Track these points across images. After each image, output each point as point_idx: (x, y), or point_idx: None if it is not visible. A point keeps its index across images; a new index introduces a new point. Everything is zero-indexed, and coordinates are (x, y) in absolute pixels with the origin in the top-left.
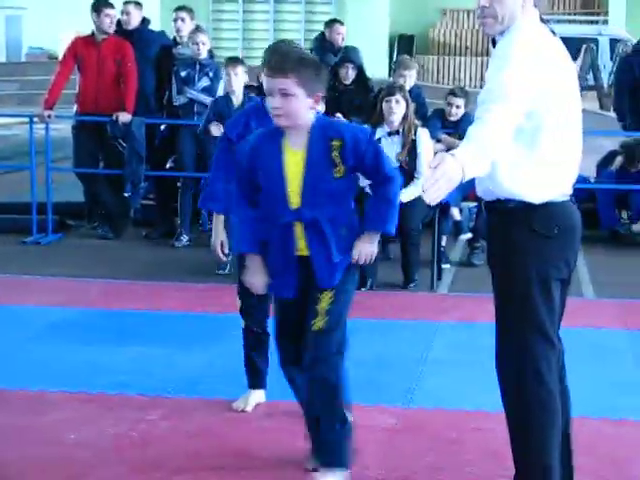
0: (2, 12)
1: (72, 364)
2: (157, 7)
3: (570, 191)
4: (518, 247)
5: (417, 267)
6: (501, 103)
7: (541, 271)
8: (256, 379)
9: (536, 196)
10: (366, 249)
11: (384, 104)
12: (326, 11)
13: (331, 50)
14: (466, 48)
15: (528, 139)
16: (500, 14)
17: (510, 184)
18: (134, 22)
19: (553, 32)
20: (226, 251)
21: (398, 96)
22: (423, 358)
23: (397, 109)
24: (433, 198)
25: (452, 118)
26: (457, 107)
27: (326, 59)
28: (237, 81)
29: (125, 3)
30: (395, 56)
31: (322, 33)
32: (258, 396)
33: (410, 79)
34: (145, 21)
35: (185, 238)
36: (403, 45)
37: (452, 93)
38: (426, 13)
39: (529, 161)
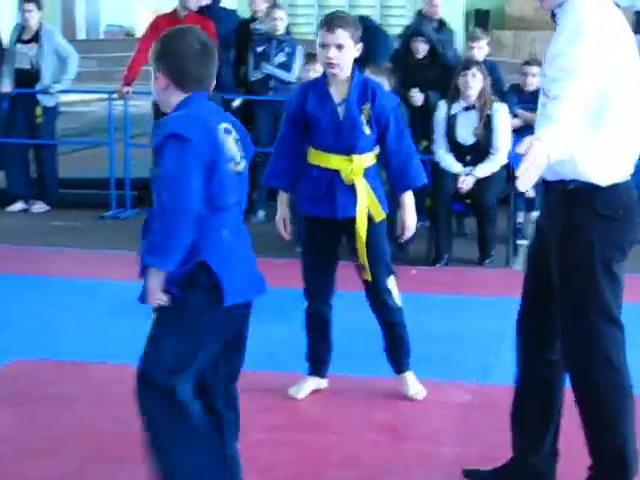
0: None
1: None
2: None
3: (632, 170)
4: (583, 229)
5: (493, 243)
6: (576, 81)
7: (606, 254)
8: (314, 365)
9: (602, 178)
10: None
11: (460, 78)
12: None
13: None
14: (545, 22)
15: (594, 117)
16: None
17: (578, 164)
18: None
19: (616, 4)
20: (288, 229)
21: (474, 70)
22: (498, 334)
23: (473, 83)
24: (525, 185)
25: (529, 88)
26: (533, 76)
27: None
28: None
29: None
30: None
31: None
32: (315, 383)
33: (480, 51)
34: None
35: (262, 213)
36: (478, 20)
37: (527, 63)
38: None
39: (595, 140)
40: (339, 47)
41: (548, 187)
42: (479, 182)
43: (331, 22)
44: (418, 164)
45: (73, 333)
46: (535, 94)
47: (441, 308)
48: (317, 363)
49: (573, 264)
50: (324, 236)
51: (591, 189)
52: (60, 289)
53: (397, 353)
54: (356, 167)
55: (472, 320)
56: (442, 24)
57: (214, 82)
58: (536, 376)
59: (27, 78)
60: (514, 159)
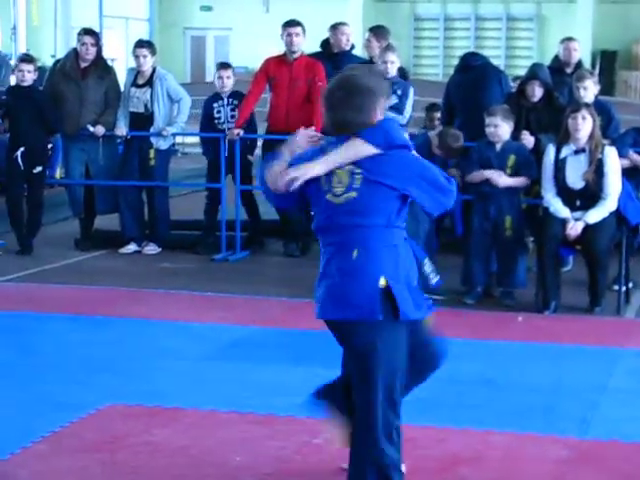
0: (211, 33)
1: (245, 384)
2: (359, 28)
3: None
4: None
5: (604, 290)
6: None
7: None
8: None
9: None
10: None
11: (570, 121)
12: (528, 27)
13: (564, 71)
14: None
15: None
16: None
17: None
18: (342, 46)
19: None
20: None
21: (584, 112)
22: (603, 386)
23: (583, 126)
24: None
25: None
26: None
27: (562, 79)
28: None
29: (338, 25)
30: (597, 72)
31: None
32: None
33: (586, 91)
34: (351, 46)
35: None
36: (606, 61)
37: None
38: (630, 28)
39: None
40: None
41: None
42: (590, 228)
43: None
44: None
45: (169, 377)
46: None
47: (546, 357)
48: None
49: None
50: None
51: None
52: (162, 332)
53: None
54: None
55: (577, 371)
56: (578, 67)
57: (348, 126)
58: None
59: (141, 121)
60: (624, 205)
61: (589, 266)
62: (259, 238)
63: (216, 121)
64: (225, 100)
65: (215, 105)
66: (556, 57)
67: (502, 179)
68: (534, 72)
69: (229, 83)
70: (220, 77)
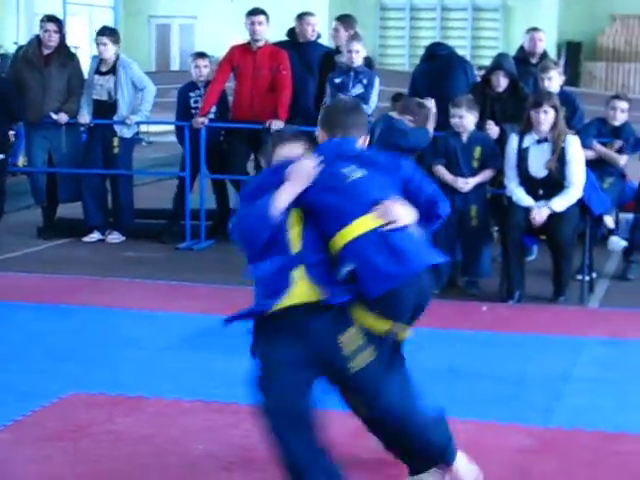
0: (176, 21)
1: (211, 373)
2: (325, 17)
3: None
4: None
5: (568, 280)
6: None
7: None
8: None
9: None
10: None
11: (532, 113)
12: (494, 17)
13: (529, 61)
14: (636, 54)
15: None
16: None
17: None
18: (308, 36)
19: None
20: None
21: (546, 106)
22: (567, 375)
23: (545, 120)
24: None
25: (615, 123)
26: (621, 111)
27: (527, 69)
28: None
29: (304, 15)
30: (562, 63)
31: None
32: None
33: (550, 82)
34: (317, 35)
35: None
36: (570, 52)
37: (616, 97)
38: (595, 19)
39: None
40: None
41: None
42: (554, 217)
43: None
44: None
45: (132, 366)
46: (620, 129)
47: (509, 347)
48: None
49: None
50: None
51: None
52: (126, 321)
53: None
54: None
55: (540, 360)
56: (544, 57)
57: None
58: None
59: (105, 109)
60: (588, 195)
61: (553, 256)
62: (224, 227)
63: (193, 111)
64: (202, 90)
65: (192, 94)
66: (521, 47)
67: (468, 185)
68: (499, 62)
69: (205, 72)
70: (197, 66)
